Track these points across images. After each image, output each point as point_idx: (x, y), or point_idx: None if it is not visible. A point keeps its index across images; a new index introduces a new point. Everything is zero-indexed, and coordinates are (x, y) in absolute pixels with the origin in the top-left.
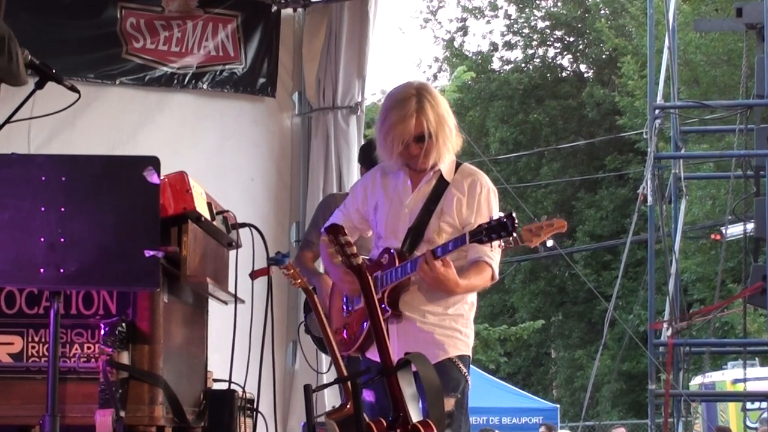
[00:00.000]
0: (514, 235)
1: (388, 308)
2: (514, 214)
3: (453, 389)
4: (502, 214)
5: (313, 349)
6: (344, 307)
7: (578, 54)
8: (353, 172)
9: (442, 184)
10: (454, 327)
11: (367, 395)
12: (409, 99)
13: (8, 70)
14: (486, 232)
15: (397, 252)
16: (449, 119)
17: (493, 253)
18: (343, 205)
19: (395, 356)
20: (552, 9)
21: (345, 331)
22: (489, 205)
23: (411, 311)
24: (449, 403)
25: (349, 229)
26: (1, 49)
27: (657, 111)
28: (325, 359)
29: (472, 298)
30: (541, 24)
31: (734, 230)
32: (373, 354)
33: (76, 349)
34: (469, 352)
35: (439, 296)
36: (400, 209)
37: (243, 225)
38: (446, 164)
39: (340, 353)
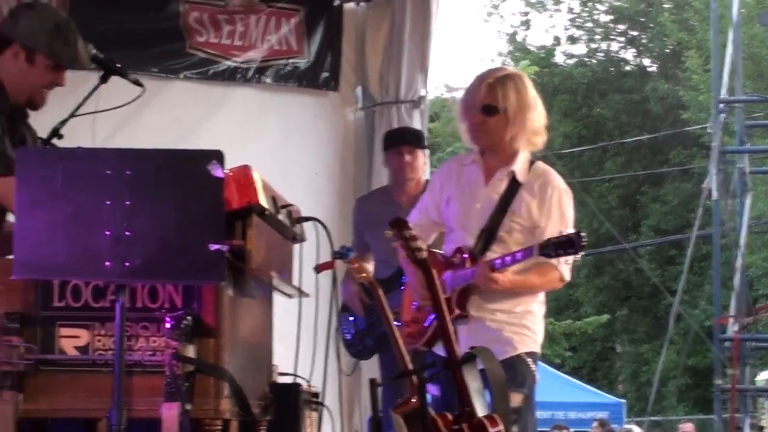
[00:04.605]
0: (582, 251)
1: (456, 309)
2: (582, 234)
3: (520, 385)
4: (572, 231)
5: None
6: (414, 301)
7: (642, 48)
8: None
9: (514, 185)
10: (523, 324)
11: (433, 389)
12: (494, 70)
13: (66, 55)
14: (554, 247)
15: (470, 253)
16: (534, 117)
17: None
18: (420, 202)
19: (463, 352)
20: (615, 3)
21: (414, 325)
22: (561, 208)
23: (479, 311)
24: (516, 399)
25: (428, 225)
26: (57, 35)
27: (722, 105)
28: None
29: (542, 295)
30: (604, 18)
31: None
32: (440, 349)
33: (142, 343)
34: (538, 349)
35: (508, 296)
36: (472, 204)
37: (307, 219)
38: (520, 163)
39: (408, 346)
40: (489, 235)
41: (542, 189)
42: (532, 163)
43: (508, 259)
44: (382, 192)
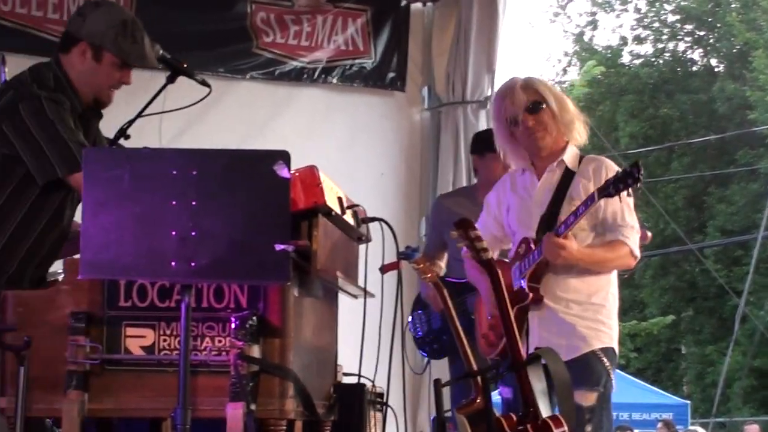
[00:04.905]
0: (641, 179)
1: (528, 292)
2: (639, 162)
3: (595, 383)
4: (628, 164)
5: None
6: (489, 311)
7: (709, 48)
8: None
9: (568, 174)
10: (597, 319)
11: (505, 392)
12: (515, 79)
13: (134, 53)
14: (613, 185)
15: (533, 239)
16: (569, 103)
17: (629, 231)
18: (479, 221)
19: (538, 345)
20: (682, 3)
21: (491, 332)
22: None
23: (553, 300)
24: (591, 398)
25: (490, 240)
26: (124, 33)
27: None
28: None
29: (615, 288)
30: (671, 18)
31: None
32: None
33: (207, 343)
34: (614, 345)
35: (580, 282)
36: (530, 202)
37: (373, 219)
38: (569, 154)
39: (488, 355)
40: (549, 221)
41: (597, 171)
42: (582, 157)
43: (570, 218)
44: (467, 192)
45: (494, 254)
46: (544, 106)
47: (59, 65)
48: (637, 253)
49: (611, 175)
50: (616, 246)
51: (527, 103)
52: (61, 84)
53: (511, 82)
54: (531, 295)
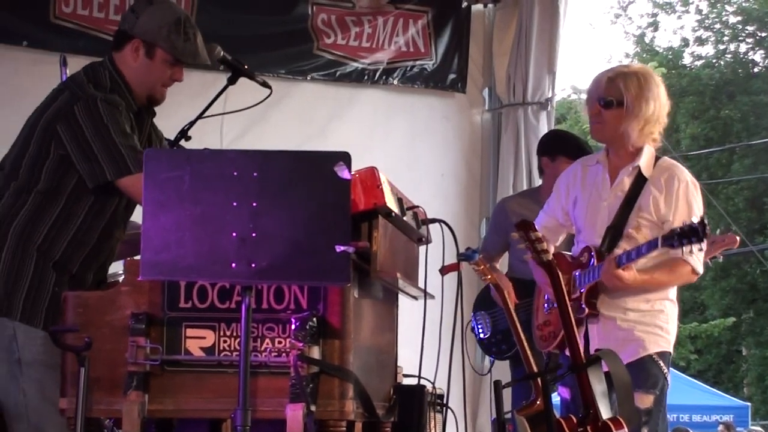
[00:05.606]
0: (705, 241)
1: (585, 307)
2: (706, 221)
3: (652, 386)
4: (695, 219)
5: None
6: (545, 304)
7: None
8: None
9: (640, 180)
10: (655, 323)
11: (563, 392)
12: (620, 66)
13: (186, 50)
14: (678, 237)
15: (596, 251)
16: (657, 103)
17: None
18: (547, 204)
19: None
20: (744, 4)
21: (546, 328)
22: (687, 201)
23: (611, 310)
24: (648, 400)
25: (555, 227)
26: (177, 30)
27: None
28: (488, 360)
29: (674, 294)
30: (732, 19)
31: None
32: None
33: (267, 344)
34: (670, 349)
35: (639, 294)
36: (599, 203)
37: (433, 220)
38: (645, 159)
39: (542, 349)
40: (615, 232)
41: (669, 182)
42: (657, 159)
43: (633, 253)
44: (530, 193)
45: (559, 239)
46: (614, 105)
47: (113, 64)
48: (700, 269)
49: (682, 188)
50: (676, 267)
51: (601, 95)
52: (117, 84)
53: (612, 68)
54: (587, 310)
